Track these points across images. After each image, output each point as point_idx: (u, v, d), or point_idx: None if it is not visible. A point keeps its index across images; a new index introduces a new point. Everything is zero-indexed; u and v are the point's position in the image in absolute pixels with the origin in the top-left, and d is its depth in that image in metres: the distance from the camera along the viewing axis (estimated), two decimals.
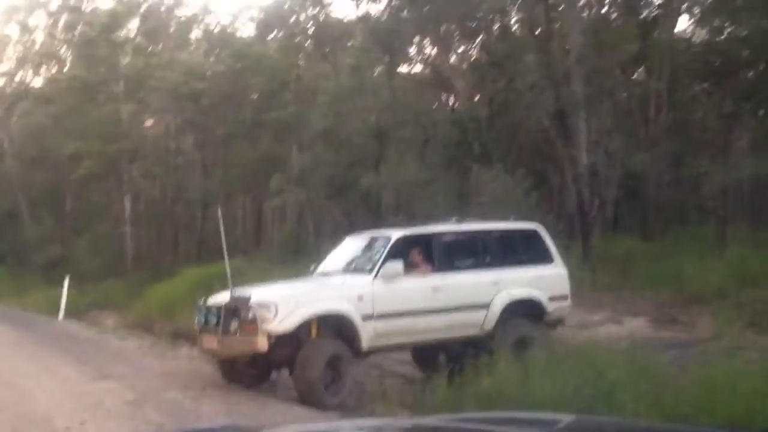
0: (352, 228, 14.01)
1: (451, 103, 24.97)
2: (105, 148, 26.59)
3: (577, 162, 16.84)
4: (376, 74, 24.32)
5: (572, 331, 9.92)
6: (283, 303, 8.16)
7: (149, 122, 31.68)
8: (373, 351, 8.70)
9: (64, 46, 34.07)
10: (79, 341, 13.76)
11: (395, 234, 9.20)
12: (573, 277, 14.04)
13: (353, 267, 9.28)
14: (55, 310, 19.77)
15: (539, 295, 9.43)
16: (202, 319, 8.80)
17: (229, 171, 27.55)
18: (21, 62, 35.80)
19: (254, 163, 25.83)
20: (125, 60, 28.26)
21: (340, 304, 8.43)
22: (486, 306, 9.11)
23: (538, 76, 17.88)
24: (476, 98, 23.39)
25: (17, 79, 36.34)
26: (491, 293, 9.18)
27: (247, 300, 8.18)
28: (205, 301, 8.98)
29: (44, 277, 27.46)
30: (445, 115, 21.62)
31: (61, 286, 20.26)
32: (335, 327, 8.38)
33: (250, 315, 8.05)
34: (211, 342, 8.60)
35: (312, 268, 9.99)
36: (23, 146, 33.68)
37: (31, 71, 35.99)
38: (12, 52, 35.88)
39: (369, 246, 9.46)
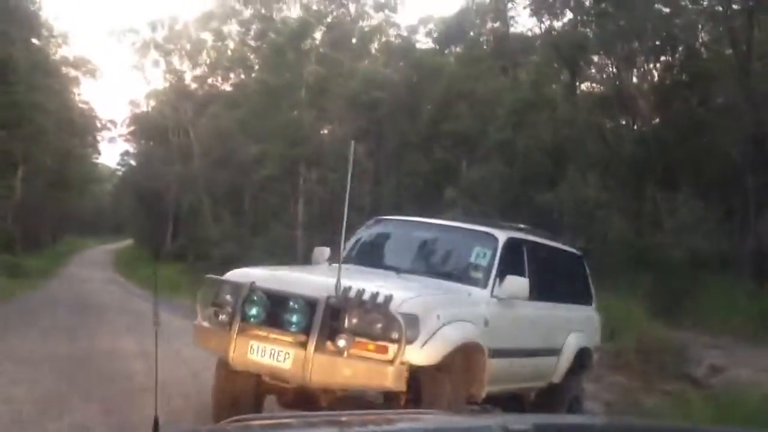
0: None
1: (633, 123, 24.06)
2: (286, 152, 27.77)
3: None
4: (554, 88, 23.90)
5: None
6: (427, 316, 5.11)
7: (327, 129, 32.74)
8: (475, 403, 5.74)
9: (254, 53, 35.99)
10: None
11: (503, 234, 6.30)
12: None
13: (434, 271, 6.27)
14: None
15: (591, 344, 7.32)
16: (256, 312, 5.39)
17: (401, 180, 27.88)
18: (213, 67, 38.21)
19: (426, 174, 25.99)
20: (309, 67, 29.41)
21: (474, 330, 5.53)
22: (557, 351, 6.78)
23: (735, 98, 16.85)
24: (659, 119, 22.39)
25: (209, 82, 38.89)
26: (563, 335, 6.88)
27: (384, 302, 4.96)
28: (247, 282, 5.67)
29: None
30: (629, 134, 20.79)
31: None
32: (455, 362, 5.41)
33: (386, 327, 4.95)
34: (278, 356, 5.18)
35: (325, 255, 6.85)
36: (210, 147, 35.80)
37: (221, 76, 38.36)
38: (205, 58, 38.39)
39: (448, 243, 6.69)
